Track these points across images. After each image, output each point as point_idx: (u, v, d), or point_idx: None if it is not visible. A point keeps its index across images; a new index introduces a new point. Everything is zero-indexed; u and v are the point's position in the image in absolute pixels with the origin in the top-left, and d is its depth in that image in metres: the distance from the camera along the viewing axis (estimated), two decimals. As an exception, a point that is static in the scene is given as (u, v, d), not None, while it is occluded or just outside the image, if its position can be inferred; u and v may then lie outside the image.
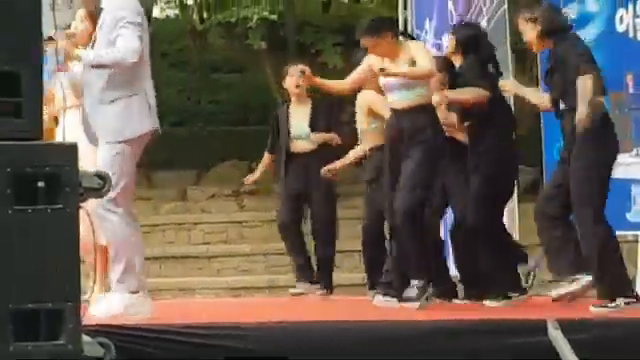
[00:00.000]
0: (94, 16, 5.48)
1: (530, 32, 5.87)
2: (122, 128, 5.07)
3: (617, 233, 5.96)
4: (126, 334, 4.22)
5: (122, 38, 5.00)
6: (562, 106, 5.76)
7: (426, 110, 6.04)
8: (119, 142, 5.03)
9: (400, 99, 6.05)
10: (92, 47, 5.15)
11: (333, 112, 8.14)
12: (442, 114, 6.30)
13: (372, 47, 6.07)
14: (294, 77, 7.41)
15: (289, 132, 7.74)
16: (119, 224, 5.08)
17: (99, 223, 4.86)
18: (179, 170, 15.53)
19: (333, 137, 7.70)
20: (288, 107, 7.90)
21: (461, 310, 6.15)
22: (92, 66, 5.05)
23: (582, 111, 5.36)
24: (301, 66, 6.44)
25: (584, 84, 5.42)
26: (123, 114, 5.07)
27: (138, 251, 5.22)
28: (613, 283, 5.64)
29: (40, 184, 3.71)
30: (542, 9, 6.05)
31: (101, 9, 5.10)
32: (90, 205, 4.16)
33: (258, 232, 13.28)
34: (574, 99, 5.49)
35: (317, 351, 4.44)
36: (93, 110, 5.09)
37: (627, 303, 5.49)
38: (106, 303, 4.99)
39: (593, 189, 5.57)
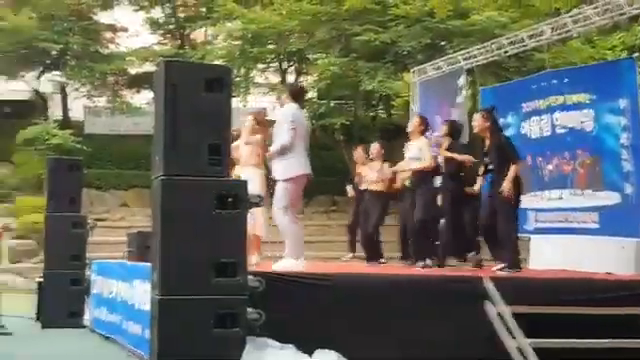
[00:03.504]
0: (258, 118, 9.94)
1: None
2: (288, 172, 9.04)
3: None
4: (269, 276, 7.77)
5: (284, 132, 9.05)
6: None
7: None
8: (286, 180, 9.05)
9: None
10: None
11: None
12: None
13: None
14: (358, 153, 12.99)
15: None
16: (288, 223, 8.96)
17: (277, 222, 9.01)
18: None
19: None
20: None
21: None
22: (276, 152, 9.14)
23: None
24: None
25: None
26: (289, 165, 9.05)
27: (300, 237, 9.13)
28: None
29: (229, 199, 7.35)
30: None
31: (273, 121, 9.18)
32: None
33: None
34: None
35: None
36: (279, 162, 9.16)
37: None
38: (284, 263, 8.91)
39: None
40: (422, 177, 10.84)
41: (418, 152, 10.80)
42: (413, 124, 11.17)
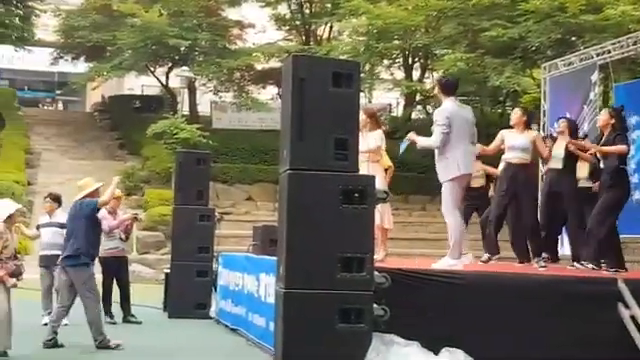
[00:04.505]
0: (369, 113, 9.79)
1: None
2: (446, 174, 8.74)
3: None
4: (395, 272, 7.67)
5: (434, 133, 8.74)
6: None
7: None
8: (445, 182, 8.77)
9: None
10: None
11: None
12: None
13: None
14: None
15: None
16: (454, 224, 8.74)
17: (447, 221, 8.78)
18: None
19: None
20: None
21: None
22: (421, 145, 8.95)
23: None
24: None
25: None
26: (446, 166, 8.74)
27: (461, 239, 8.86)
28: None
29: (356, 194, 7.28)
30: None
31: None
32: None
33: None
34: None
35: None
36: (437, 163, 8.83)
37: None
38: (444, 261, 8.69)
39: None
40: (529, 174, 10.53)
41: (529, 144, 10.37)
42: (515, 117, 10.64)
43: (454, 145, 8.72)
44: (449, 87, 9.12)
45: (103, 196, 10.13)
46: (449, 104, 8.91)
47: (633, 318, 7.89)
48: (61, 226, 11.92)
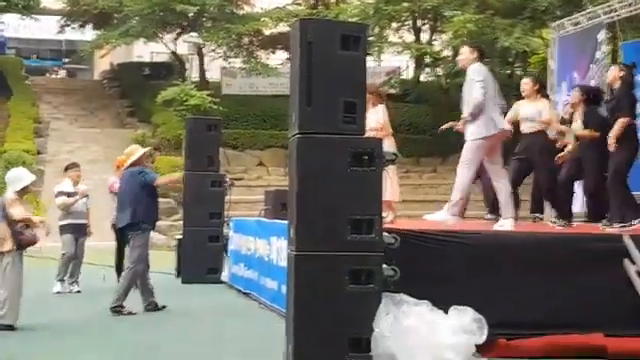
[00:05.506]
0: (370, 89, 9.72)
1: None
2: (476, 134, 9.00)
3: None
4: (404, 233, 7.77)
5: (474, 91, 8.94)
6: None
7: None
8: (474, 139, 9.03)
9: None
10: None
11: None
12: None
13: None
14: None
15: None
16: (462, 178, 9.16)
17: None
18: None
19: None
20: None
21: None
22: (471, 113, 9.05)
23: None
24: None
25: None
26: (477, 126, 8.99)
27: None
28: None
29: (364, 157, 7.31)
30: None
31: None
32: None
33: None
34: None
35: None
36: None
37: None
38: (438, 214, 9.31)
39: None
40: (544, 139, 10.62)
41: (537, 114, 10.48)
42: (527, 87, 10.73)
43: (490, 104, 9.03)
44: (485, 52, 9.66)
45: (159, 179, 10.86)
46: (481, 65, 9.24)
47: (639, 274, 7.93)
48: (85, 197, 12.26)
